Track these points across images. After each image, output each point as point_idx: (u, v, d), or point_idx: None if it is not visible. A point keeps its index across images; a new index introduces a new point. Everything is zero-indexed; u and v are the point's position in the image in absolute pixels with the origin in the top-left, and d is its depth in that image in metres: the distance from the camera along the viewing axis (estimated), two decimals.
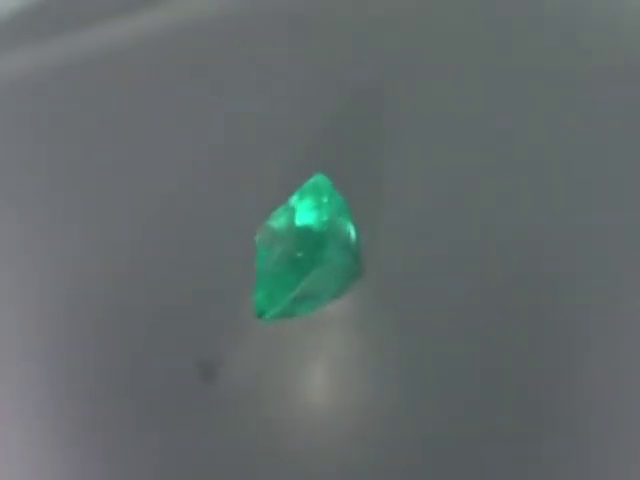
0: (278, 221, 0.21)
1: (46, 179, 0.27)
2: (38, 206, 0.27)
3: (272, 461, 0.21)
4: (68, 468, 0.21)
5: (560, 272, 0.24)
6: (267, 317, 0.21)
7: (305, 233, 0.20)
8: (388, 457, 0.21)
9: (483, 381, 0.22)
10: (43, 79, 0.31)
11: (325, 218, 0.20)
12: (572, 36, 0.30)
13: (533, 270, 0.24)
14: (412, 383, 0.22)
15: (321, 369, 0.22)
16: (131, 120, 0.29)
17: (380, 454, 0.21)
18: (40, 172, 0.28)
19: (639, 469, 0.20)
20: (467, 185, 0.26)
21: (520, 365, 0.22)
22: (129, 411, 0.22)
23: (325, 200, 0.20)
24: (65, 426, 0.22)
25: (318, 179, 0.20)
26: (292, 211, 0.20)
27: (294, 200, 0.21)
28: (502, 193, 0.26)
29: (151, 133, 0.28)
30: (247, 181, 0.27)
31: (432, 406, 0.22)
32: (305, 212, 0.20)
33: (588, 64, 0.29)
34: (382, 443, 0.21)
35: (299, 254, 0.20)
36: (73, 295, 0.24)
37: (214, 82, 0.30)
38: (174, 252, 0.25)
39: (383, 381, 0.22)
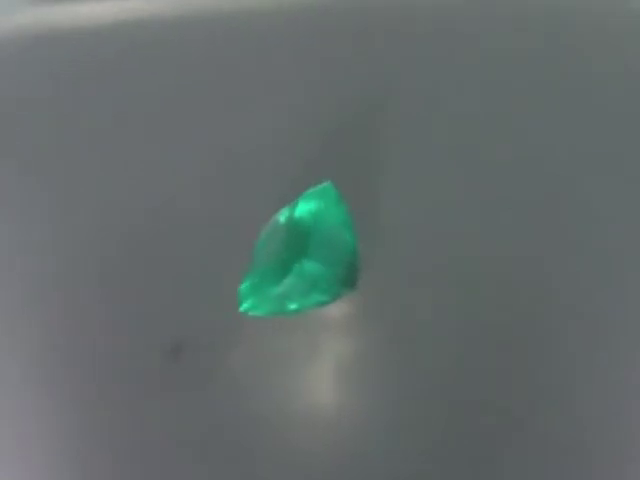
0: (283, 216, 0.21)
1: (45, 169, 0.28)
2: (33, 193, 0.27)
3: (257, 460, 0.21)
4: (43, 449, 0.21)
5: (557, 283, 0.24)
6: (247, 307, 0.20)
7: (294, 235, 0.20)
8: (384, 459, 0.21)
9: (481, 384, 0.22)
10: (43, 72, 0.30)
11: (316, 224, 0.20)
12: (573, 47, 0.31)
13: (530, 279, 0.24)
14: (402, 387, 0.22)
15: (306, 369, 0.23)
16: (148, 118, 0.29)
17: (376, 455, 0.21)
18: (39, 163, 0.28)
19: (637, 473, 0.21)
20: (468, 198, 0.26)
21: (518, 369, 0.22)
22: (113, 397, 0.22)
23: (323, 207, 0.20)
24: (41, 407, 0.22)
25: (325, 186, 0.21)
26: (293, 211, 0.21)
27: (299, 201, 0.21)
28: (503, 207, 0.26)
29: (167, 132, 0.29)
30: (261, 181, 0.27)
31: (428, 408, 0.22)
32: (302, 215, 0.20)
33: (589, 72, 0.30)
34: (378, 445, 0.21)
35: (285, 254, 0.20)
36: (70, 278, 0.25)
37: (225, 86, 0.30)
38: (176, 248, 0.25)
39: (375, 384, 0.22)
